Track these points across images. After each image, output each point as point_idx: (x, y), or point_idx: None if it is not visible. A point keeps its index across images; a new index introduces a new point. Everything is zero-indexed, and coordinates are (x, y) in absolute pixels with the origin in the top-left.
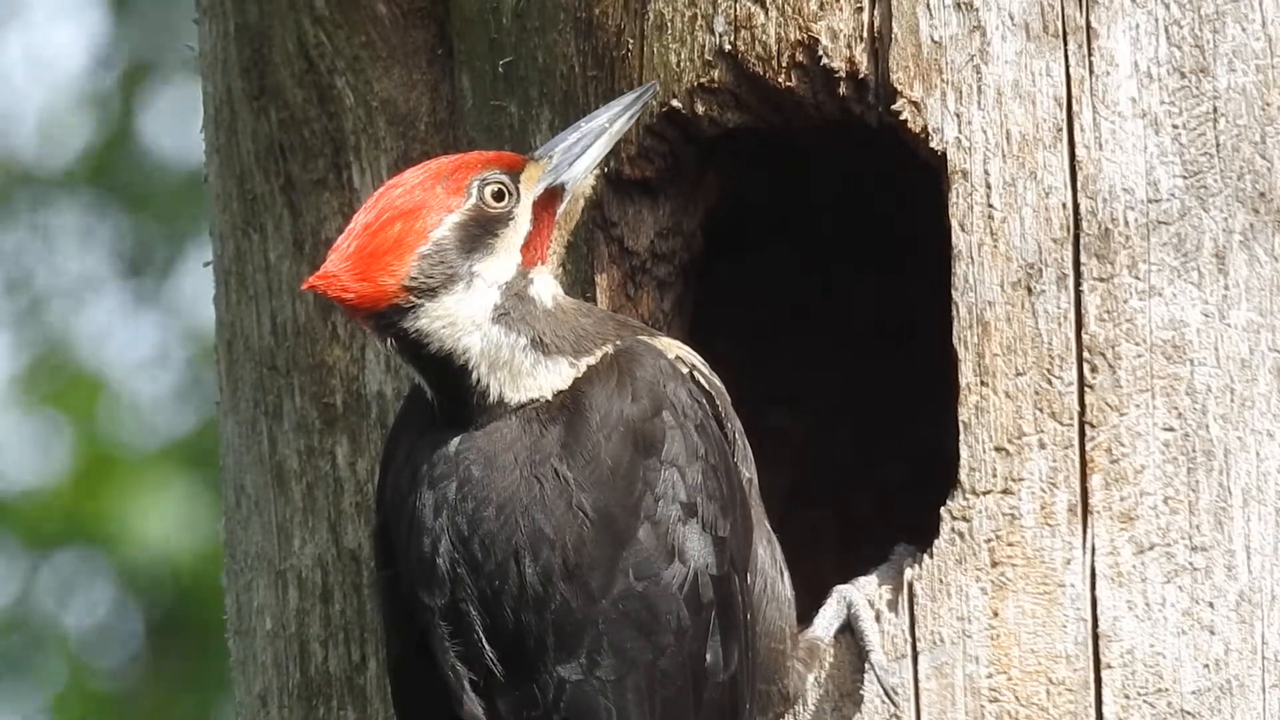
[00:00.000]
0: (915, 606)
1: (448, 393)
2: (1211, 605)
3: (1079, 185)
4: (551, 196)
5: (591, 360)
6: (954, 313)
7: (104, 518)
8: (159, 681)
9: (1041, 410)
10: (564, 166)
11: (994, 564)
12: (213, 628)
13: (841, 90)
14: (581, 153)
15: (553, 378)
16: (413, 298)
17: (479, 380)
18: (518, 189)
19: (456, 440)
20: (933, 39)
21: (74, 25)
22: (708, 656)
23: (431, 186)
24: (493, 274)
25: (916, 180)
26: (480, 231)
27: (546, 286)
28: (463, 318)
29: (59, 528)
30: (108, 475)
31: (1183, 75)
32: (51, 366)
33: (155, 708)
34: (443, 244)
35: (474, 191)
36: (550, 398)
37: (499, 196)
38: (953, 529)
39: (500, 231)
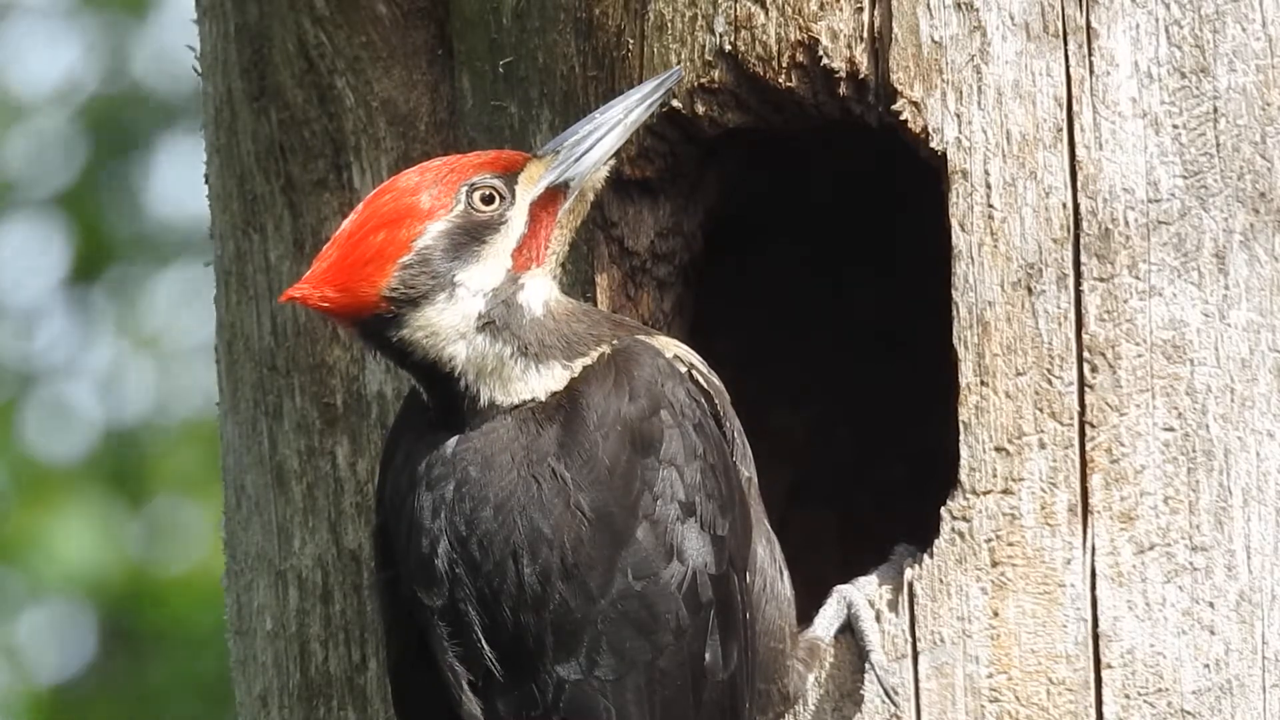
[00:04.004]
0: (915, 606)
1: (439, 396)
2: (1212, 605)
3: (1079, 185)
4: (553, 195)
5: (587, 361)
6: (954, 313)
7: (31, 532)
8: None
9: (1041, 410)
10: (569, 163)
11: (994, 564)
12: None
13: (841, 90)
14: (591, 146)
15: (546, 381)
16: (394, 308)
17: (467, 387)
18: (513, 191)
19: (454, 441)
20: (933, 39)
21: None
22: (707, 656)
23: (419, 193)
24: (478, 282)
25: (917, 180)
26: (467, 239)
27: (538, 291)
28: (446, 328)
29: None
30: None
31: (1183, 75)
32: None
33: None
34: (426, 253)
35: (462, 197)
36: (544, 399)
37: (489, 201)
38: (953, 529)
39: (489, 237)
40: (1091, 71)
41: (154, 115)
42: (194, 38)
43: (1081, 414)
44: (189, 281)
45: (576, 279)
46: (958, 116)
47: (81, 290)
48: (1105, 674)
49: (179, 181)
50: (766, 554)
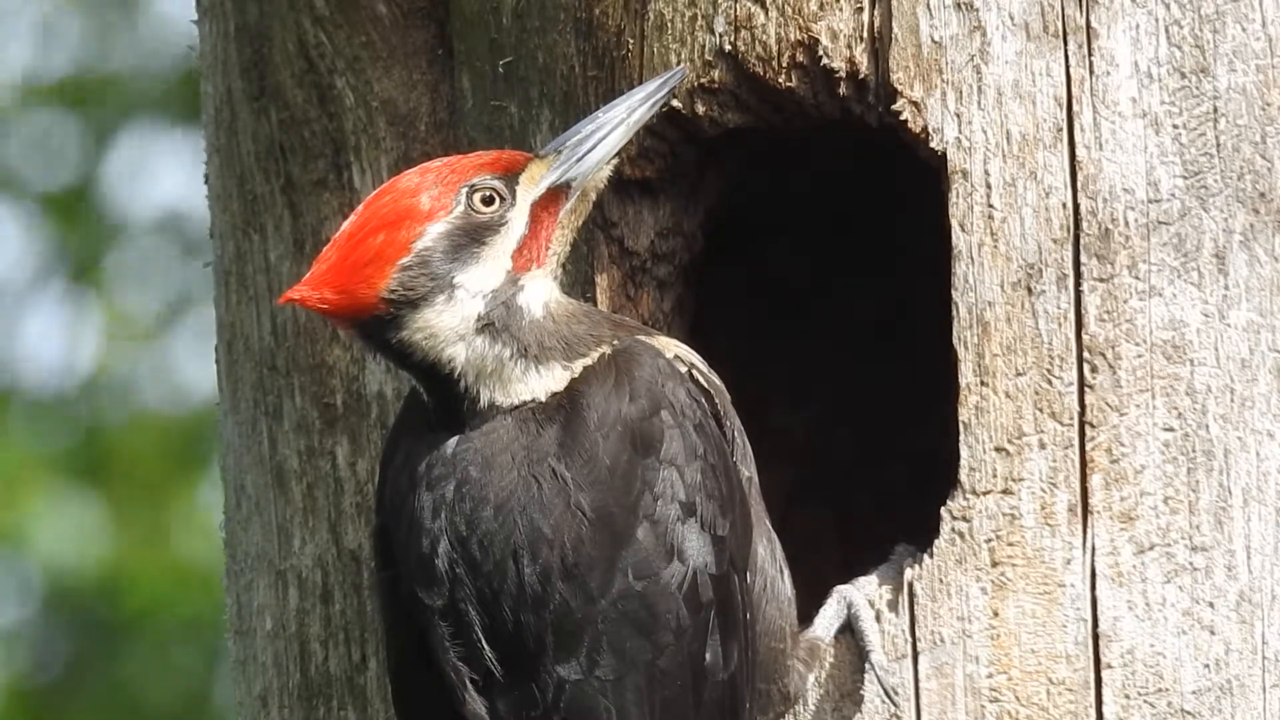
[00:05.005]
0: (915, 606)
1: (439, 397)
2: (1211, 605)
3: (1079, 185)
4: (555, 196)
5: (587, 362)
6: (954, 313)
7: (11, 523)
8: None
9: (1041, 410)
10: (571, 163)
11: (994, 564)
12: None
13: (841, 90)
14: (594, 146)
15: (545, 381)
16: (393, 309)
17: (467, 388)
18: (513, 191)
19: (454, 441)
20: (933, 39)
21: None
22: (707, 656)
23: (418, 194)
24: (477, 283)
25: (916, 180)
26: (467, 240)
27: (538, 292)
28: (445, 329)
29: None
30: (14, 481)
31: (1183, 75)
32: None
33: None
34: (425, 255)
35: (462, 199)
36: (544, 399)
37: (489, 202)
38: (953, 529)
39: (489, 239)
40: (1091, 71)
41: (135, 102)
42: (183, 29)
43: (1081, 414)
44: (168, 274)
45: (576, 279)
46: (958, 116)
47: (61, 280)
48: (1105, 674)
49: (159, 171)
50: (767, 554)
